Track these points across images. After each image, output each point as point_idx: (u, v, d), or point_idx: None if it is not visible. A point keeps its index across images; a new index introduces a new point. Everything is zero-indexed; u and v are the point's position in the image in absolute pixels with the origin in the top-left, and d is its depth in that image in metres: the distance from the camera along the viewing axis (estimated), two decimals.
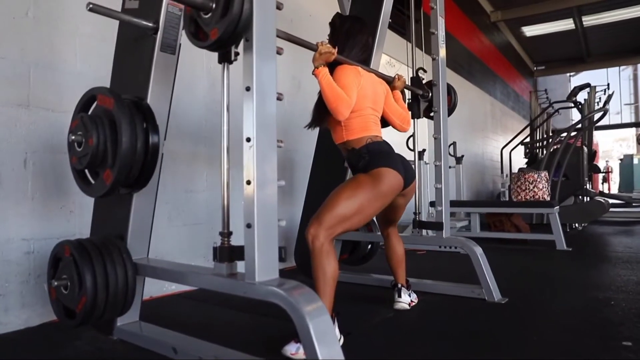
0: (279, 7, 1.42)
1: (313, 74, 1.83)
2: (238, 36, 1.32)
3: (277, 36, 1.57)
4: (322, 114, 1.95)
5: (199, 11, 1.36)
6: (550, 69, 13.76)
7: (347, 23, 2.07)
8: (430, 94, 2.66)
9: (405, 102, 2.39)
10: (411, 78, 2.72)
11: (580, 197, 6.38)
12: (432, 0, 2.66)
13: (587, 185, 6.37)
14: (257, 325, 2.02)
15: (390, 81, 2.29)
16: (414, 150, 2.84)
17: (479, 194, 8.12)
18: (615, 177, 15.81)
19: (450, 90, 2.84)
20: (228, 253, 1.42)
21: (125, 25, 1.77)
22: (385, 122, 2.20)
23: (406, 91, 2.55)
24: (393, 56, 5.08)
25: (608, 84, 8.54)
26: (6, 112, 1.96)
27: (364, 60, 2.08)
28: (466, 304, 2.32)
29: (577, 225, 5.47)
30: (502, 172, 7.24)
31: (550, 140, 6.51)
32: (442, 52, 2.67)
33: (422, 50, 3.01)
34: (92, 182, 1.62)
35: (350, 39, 2.03)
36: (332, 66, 1.92)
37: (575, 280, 2.92)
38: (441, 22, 2.66)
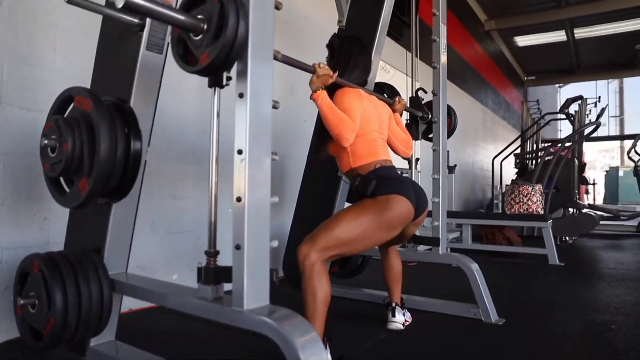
0: (277, 6, 1.29)
1: (311, 99, 1.71)
2: (231, 62, 1.19)
3: (276, 58, 1.47)
4: (324, 141, 1.83)
5: (189, 32, 1.22)
6: (541, 79, 13.85)
7: (347, 44, 1.96)
8: (429, 116, 2.57)
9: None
10: (410, 98, 2.63)
11: (569, 209, 6.37)
12: (434, 6, 2.56)
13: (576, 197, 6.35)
14: (246, 346, 1.88)
15: (390, 104, 2.19)
16: (408, 159, 2.74)
17: (469, 203, 8.08)
18: (599, 189, 15.98)
19: (451, 112, 2.75)
20: (214, 275, 1.29)
21: (109, 21, 1.63)
22: None
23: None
24: (388, 62, 4.99)
25: (599, 97, 8.59)
26: None
27: (364, 82, 1.98)
28: (462, 325, 2.22)
29: (567, 238, 5.44)
30: (492, 182, 7.19)
31: (542, 152, 6.49)
32: (444, 60, 2.57)
33: (417, 57, 2.92)
34: (67, 191, 1.48)
35: (352, 60, 1.92)
36: (332, 90, 1.80)
37: (572, 300, 2.84)
38: (443, 29, 2.56)
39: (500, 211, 5.21)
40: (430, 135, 2.61)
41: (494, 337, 2.06)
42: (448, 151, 5.33)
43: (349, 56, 1.92)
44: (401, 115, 2.23)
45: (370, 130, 1.84)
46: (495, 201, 5.32)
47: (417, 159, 4.47)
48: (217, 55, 1.15)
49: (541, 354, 1.86)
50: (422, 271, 3.57)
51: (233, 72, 1.23)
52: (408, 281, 3.11)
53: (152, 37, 1.54)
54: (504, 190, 5.40)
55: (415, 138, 2.58)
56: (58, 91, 1.52)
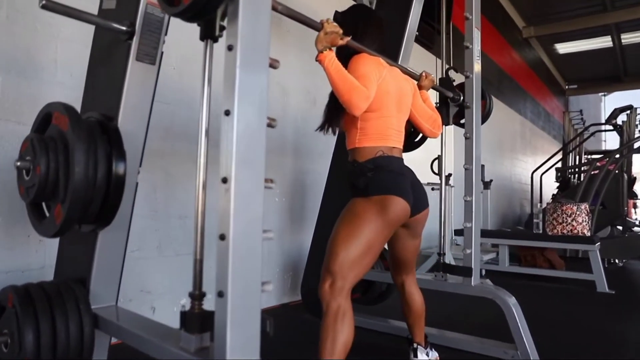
0: None
1: (317, 60, 1.49)
2: (212, 4, 0.98)
3: (273, 8, 1.22)
4: (335, 113, 1.61)
5: None
6: (583, 87, 13.15)
7: (350, 14, 1.74)
8: (461, 97, 2.32)
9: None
10: (440, 79, 2.38)
11: (617, 226, 5.87)
12: (467, 10, 2.32)
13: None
14: None
15: (416, 79, 1.96)
16: (439, 174, 2.49)
17: (506, 219, 7.64)
18: None
19: (486, 94, 2.50)
20: (199, 322, 1.09)
21: (101, 30, 1.48)
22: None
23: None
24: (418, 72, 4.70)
25: None
26: None
27: (379, 50, 1.71)
28: None
29: (617, 260, 4.97)
30: (532, 197, 6.76)
31: (586, 165, 6.04)
32: (477, 68, 2.32)
33: (448, 64, 2.68)
34: (46, 217, 1.33)
35: (360, 26, 1.69)
36: (346, 58, 1.58)
37: (629, 340, 2.48)
38: (477, 35, 2.31)
39: (540, 231, 4.81)
40: (462, 121, 2.35)
41: None
42: (483, 165, 5.03)
43: (356, 22, 1.69)
44: (427, 90, 1.99)
45: (387, 106, 1.61)
46: (535, 220, 4.93)
47: (449, 175, 4.19)
48: None
49: None
50: (453, 300, 3.27)
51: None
52: (435, 310, 2.84)
53: (142, 46, 1.38)
54: (544, 207, 5.00)
55: (446, 123, 2.33)
56: None
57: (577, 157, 7.52)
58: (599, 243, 3.85)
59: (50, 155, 1.21)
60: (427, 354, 1.89)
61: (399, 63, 2.33)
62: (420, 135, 2.28)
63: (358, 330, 2.42)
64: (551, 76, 11.52)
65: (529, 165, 8.28)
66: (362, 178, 1.54)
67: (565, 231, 4.04)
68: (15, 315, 1.29)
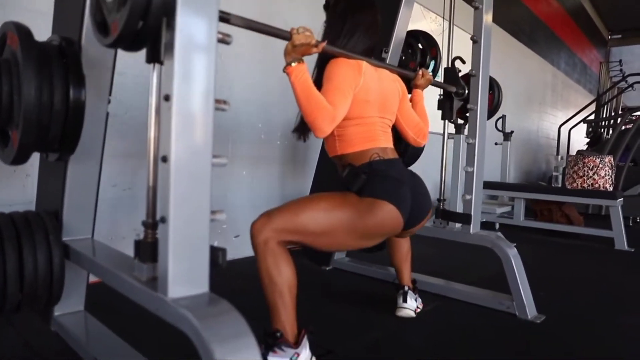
0: None
1: (284, 72, 1.35)
2: (148, 34, 0.89)
3: (226, 20, 1.15)
4: (306, 125, 1.44)
5: None
6: (629, 37, 12.19)
7: (342, 1, 1.56)
8: (466, 91, 2.13)
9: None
10: (445, 69, 2.19)
11: None
12: None
13: None
14: None
15: (410, 78, 1.79)
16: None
17: (530, 175, 7.37)
18: None
19: (494, 86, 2.30)
20: (150, 250, 1.05)
21: None
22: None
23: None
24: (424, 4, 4.31)
25: None
26: None
27: (369, 49, 1.56)
28: (490, 319, 1.87)
29: None
30: (558, 152, 6.45)
31: (619, 119, 5.66)
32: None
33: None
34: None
35: (348, 21, 1.52)
36: (323, 62, 1.46)
37: (637, 297, 2.37)
38: (487, 27, 2.08)
39: (560, 185, 4.58)
40: (467, 114, 2.17)
41: (525, 337, 1.71)
42: (504, 115, 4.78)
43: (345, 17, 1.52)
44: (424, 89, 1.83)
45: (368, 114, 1.48)
46: (554, 173, 4.68)
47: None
48: (126, 24, 0.86)
49: None
50: (453, 248, 3.18)
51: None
52: (433, 260, 2.78)
53: None
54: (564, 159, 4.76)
55: (449, 118, 2.17)
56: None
57: (613, 112, 7.08)
58: (621, 199, 3.64)
59: (2, 78, 1.15)
60: (416, 299, 1.84)
61: (387, 58, 2.19)
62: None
63: (350, 276, 2.42)
64: (592, 25, 10.70)
65: (559, 119, 7.86)
66: (357, 182, 1.42)
67: (585, 185, 3.83)
68: None
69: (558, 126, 6.66)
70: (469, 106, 2.09)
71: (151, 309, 0.98)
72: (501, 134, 4.80)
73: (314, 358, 1.33)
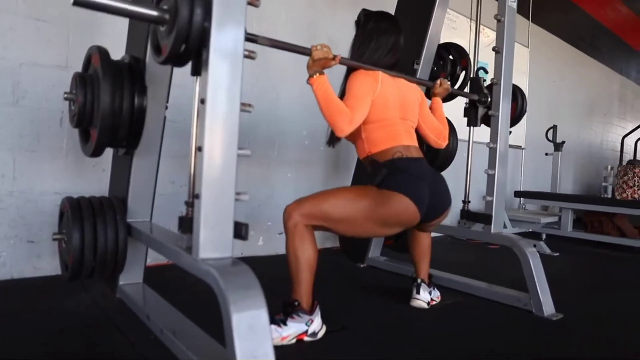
0: (253, 3, 1.22)
1: (307, 83, 1.62)
2: (190, 53, 1.16)
3: (254, 41, 1.43)
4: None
5: (157, 24, 1.23)
6: None
7: (371, 22, 1.79)
8: (489, 99, 2.26)
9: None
10: (470, 79, 2.34)
11: None
12: (499, 11, 2.20)
13: None
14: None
15: (430, 87, 1.98)
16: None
17: (591, 187, 7.05)
18: None
19: (517, 94, 2.39)
20: (189, 224, 1.32)
21: None
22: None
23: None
24: (453, 8, 4.24)
25: None
26: (46, 72, 2.08)
27: (391, 64, 1.79)
28: (504, 315, 1.97)
29: None
30: (620, 164, 6.13)
31: None
32: (508, 76, 2.21)
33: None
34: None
35: (373, 40, 1.76)
36: (348, 71, 1.73)
37: None
38: (510, 38, 2.21)
39: (609, 196, 4.41)
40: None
41: (539, 333, 1.78)
42: (555, 125, 4.71)
43: (371, 36, 1.76)
44: (442, 97, 2.03)
45: (389, 116, 1.69)
46: (603, 184, 4.51)
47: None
48: (172, 47, 1.14)
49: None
50: (480, 251, 3.22)
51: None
52: (457, 260, 2.85)
53: None
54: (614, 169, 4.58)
55: (474, 124, 2.30)
56: (118, 55, 1.64)
57: None
58: None
59: (87, 88, 1.49)
60: (430, 293, 1.97)
61: (419, 69, 2.37)
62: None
63: (382, 273, 2.57)
64: None
65: (628, 131, 7.46)
66: (378, 175, 1.63)
67: (636, 196, 3.70)
68: (67, 219, 1.63)
69: (621, 137, 6.35)
70: (490, 112, 2.21)
71: (187, 269, 1.24)
72: (552, 144, 4.73)
73: (324, 326, 1.53)
